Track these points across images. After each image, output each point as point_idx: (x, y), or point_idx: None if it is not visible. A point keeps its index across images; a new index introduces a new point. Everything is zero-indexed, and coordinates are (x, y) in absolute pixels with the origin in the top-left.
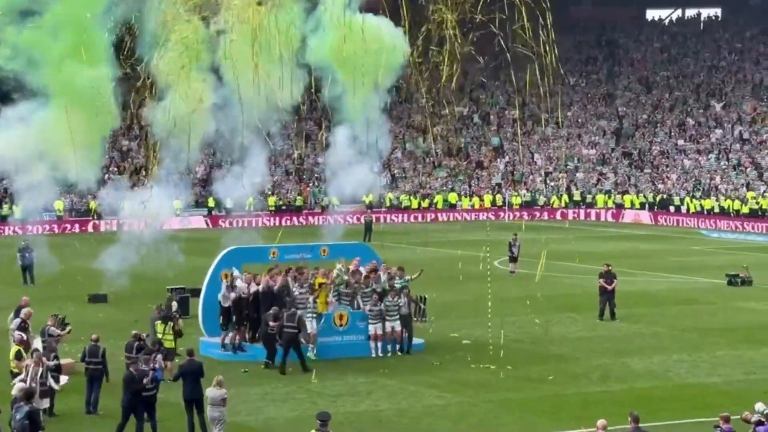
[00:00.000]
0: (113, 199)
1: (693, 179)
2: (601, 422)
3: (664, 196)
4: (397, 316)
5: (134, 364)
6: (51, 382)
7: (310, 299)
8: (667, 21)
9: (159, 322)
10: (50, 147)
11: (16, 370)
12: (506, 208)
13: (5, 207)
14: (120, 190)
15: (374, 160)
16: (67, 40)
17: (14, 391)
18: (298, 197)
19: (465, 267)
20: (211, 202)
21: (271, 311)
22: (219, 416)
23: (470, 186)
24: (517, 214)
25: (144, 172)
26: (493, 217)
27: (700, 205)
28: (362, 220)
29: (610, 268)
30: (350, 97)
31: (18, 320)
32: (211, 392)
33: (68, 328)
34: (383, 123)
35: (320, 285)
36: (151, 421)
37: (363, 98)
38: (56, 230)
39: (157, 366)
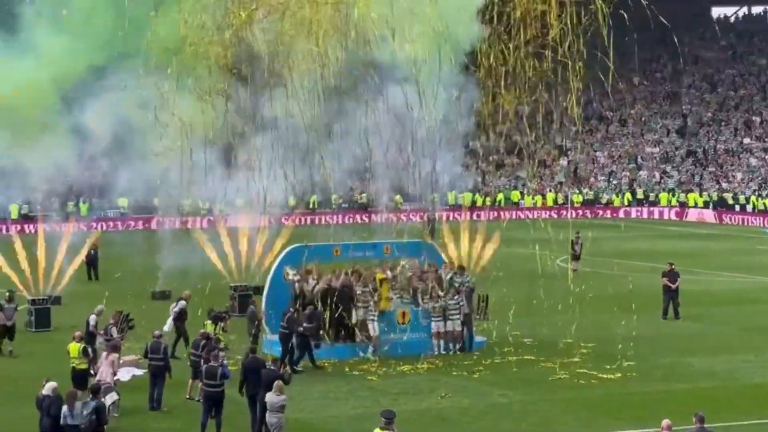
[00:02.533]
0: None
1: (759, 178)
2: (665, 422)
3: (729, 194)
4: (458, 315)
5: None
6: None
7: (374, 298)
8: (732, 18)
9: (209, 322)
10: None
11: (81, 367)
12: (568, 206)
13: (70, 204)
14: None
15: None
16: None
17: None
18: (362, 195)
19: (527, 265)
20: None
21: (306, 311)
22: (276, 422)
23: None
24: (579, 212)
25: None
26: (555, 216)
27: (765, 204)
28: (426, 218)
29: (673, 266)
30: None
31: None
32: (270, 398)
33: (126, 332)
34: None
35: (381, 281)
36: (217, 417)
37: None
38: (120, 227)
39: (224, 363)
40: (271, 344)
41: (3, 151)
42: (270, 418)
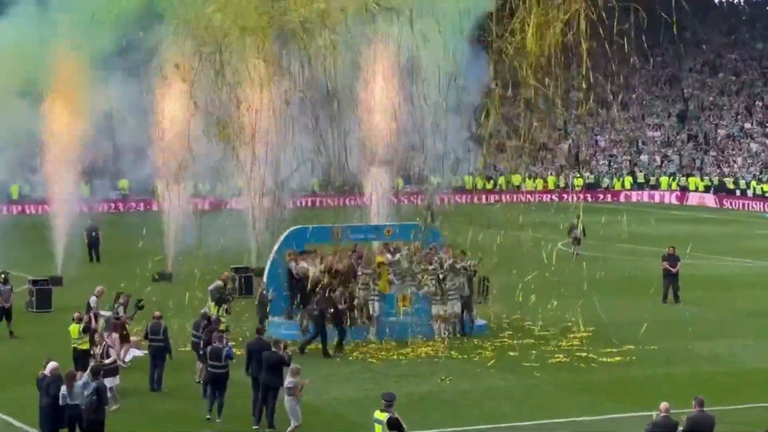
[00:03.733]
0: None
1: (759, 163)
2: (663, 405)
3: (730, 179)
4: (458, 297)
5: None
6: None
7: (375, 280)
8: (735, 2)
9: (213, 304)
10: None
11: (82, 347)
12: (569, 189)
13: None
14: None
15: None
16: None
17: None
18: (366, 178)
19: (528, 249)
20: None
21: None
22: (288, 406)
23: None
24: (580, 196)
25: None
26: (556, 199)
27: (762, 189)
28: (425, 201)
29: (674, 250)
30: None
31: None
32: (286, 381)
33: (135, 313)
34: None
35: (380, 264)
36: (219, 398)
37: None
38: (121, 208)
39: (229, 344)
40: (276, 327)
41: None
42: (287, 402)
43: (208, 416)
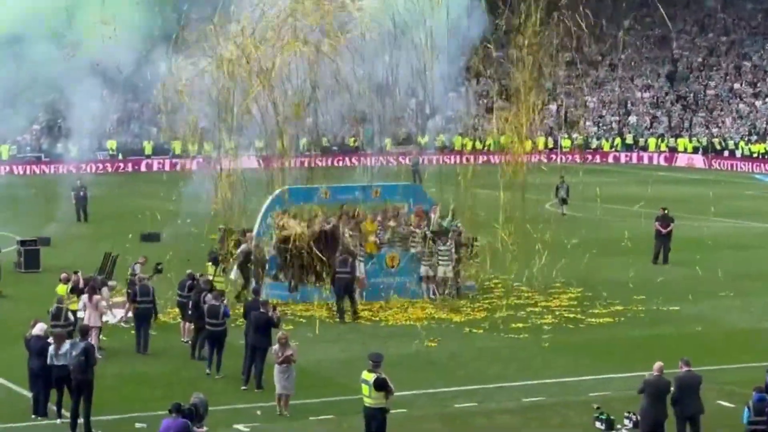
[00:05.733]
0: None
1: (748, 123)
2: (658, 364)
3: (718, 139)
4: (449, 261)
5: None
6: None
7: (360, 240)
8: None
9: (210, 264)
10: None
11: (72, 307)
12: (557, 150)
13: (59, 146)
14: None
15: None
16: None
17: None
18: (351, 138)
19: (516, 209)
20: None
21: (339, 257)
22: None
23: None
24: (569, 157)
25: None
26: (545, 160)
27: (750, 149)
28: (410, 162)
29: (666, 211)
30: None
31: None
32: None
33: (154, 274)
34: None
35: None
36: (218, 355)
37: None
38: (110, 169)
39: (225, 302)
40: (270, 287)
41: None
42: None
43: (207, 371)
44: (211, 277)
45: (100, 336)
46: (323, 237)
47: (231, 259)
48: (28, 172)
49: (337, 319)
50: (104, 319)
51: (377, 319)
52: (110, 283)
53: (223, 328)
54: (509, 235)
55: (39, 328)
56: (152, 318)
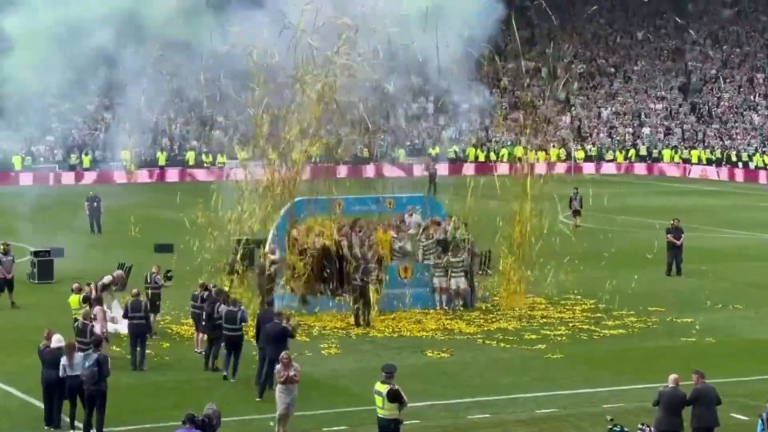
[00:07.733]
0: None
1: (762, 135)
2: (673, 376)
3: (733, 151)
4: (462, 272)
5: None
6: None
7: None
8: None
9: (225, 275)
10: None
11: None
12: (571, 162)
13: (73, 157)
14: None
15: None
16: None
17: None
18: (365, 149)
19: (529, 221)
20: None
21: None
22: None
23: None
24: (583, 168)
25: None
26: (559, 172)
27: (764, 161)
28: (427, 173)
29: (678, 223)
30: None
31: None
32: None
33: (169, 282)
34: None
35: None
36: (235, 360)
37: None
38: (125, 180)
39: (242, 307)
40: (281, 298)
41: None
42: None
43: (224, 373)
44: (226, 288)
45: (112, 347)
46: (335, 248)
47: (242, 270)
48: (42, 182)
49: (354, 325)
50: (111, 328)
51: (390, 329)
52: (133, 291)
53: (240, 333)
54: (521, 246)
55: (57, 340)
56: (148, 334)
